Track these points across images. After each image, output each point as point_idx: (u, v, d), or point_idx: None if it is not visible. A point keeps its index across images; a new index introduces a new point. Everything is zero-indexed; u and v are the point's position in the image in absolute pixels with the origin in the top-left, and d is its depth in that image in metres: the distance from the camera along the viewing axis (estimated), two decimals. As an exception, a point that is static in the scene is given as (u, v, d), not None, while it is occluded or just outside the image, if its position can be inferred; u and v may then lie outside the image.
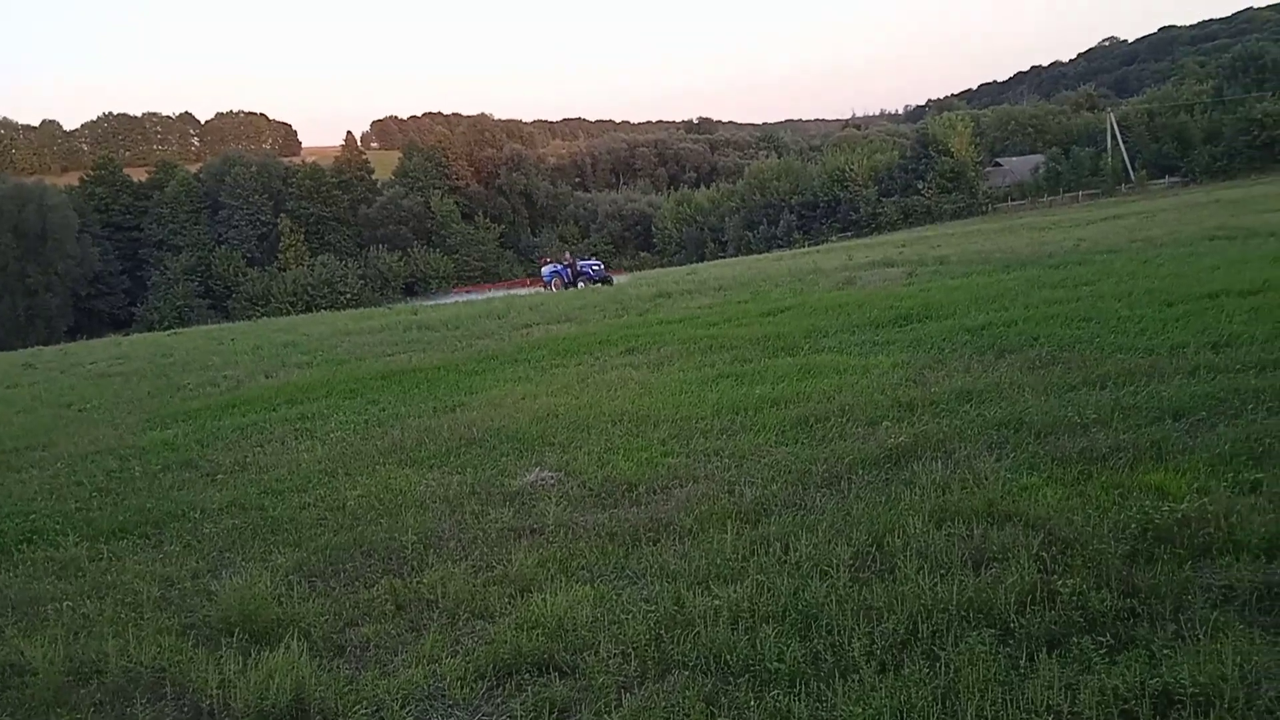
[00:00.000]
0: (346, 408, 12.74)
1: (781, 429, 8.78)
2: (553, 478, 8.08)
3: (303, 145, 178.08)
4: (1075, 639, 4.33)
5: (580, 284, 41.14)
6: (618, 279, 43.49)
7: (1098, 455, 6.77)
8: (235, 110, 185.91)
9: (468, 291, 67.13)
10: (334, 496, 8.31)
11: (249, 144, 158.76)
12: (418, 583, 6.08)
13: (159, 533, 7.93)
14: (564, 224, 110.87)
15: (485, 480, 8.28)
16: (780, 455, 7.96)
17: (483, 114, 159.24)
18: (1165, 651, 4.15)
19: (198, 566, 6.96)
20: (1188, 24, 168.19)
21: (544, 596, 5.50)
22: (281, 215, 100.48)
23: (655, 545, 6.24)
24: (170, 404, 15.23)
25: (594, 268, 44.37)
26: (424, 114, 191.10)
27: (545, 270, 45.52)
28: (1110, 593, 4.67)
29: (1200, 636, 4.23)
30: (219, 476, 9.65)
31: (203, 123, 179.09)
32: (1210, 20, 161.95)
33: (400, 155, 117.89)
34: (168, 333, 42.78)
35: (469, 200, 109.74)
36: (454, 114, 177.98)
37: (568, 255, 49.22)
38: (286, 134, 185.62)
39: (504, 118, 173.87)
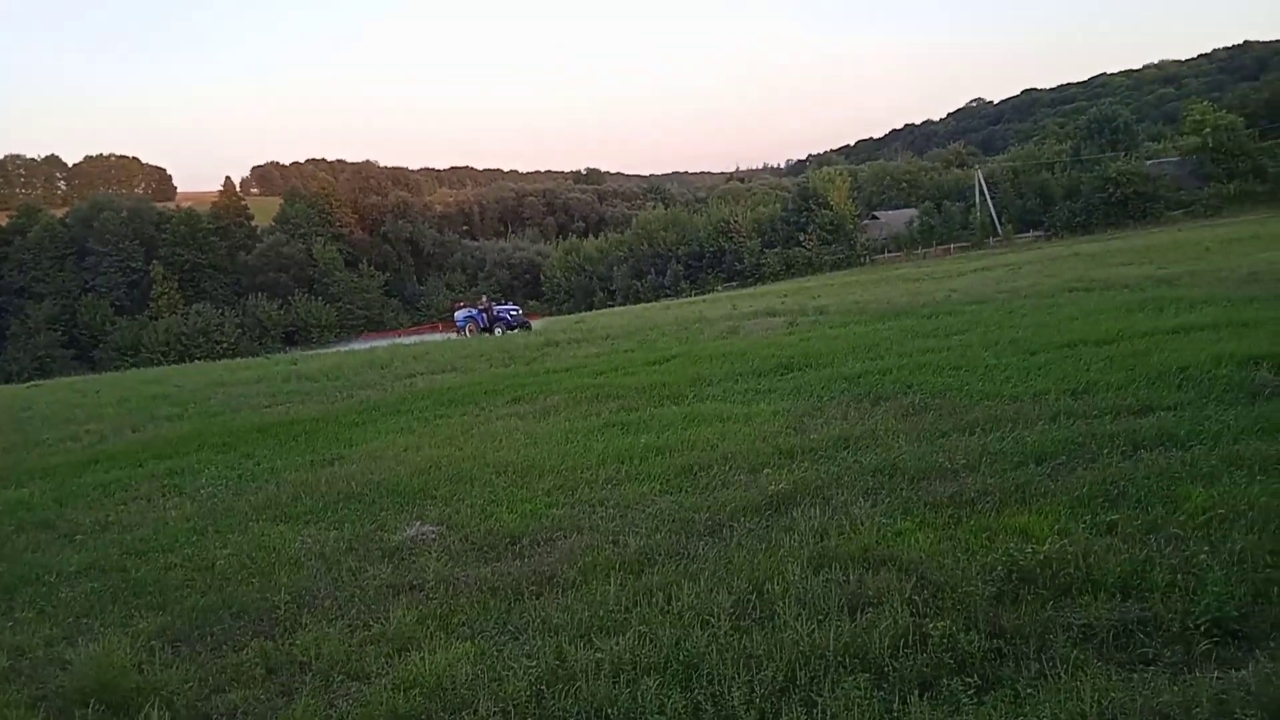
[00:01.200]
0: (219, 462, 12.30)
1: (666, 478, 8.84)
2: (434, 532, 7.93)
3: (178, 191, 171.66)
4: (945, 681, 4.46)
5: (498, 330, 38.67)
6: (535, 324, 41.48)
7: (967, 499, 7.02)
8: (106, 154, 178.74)
9: (363, 340, 63.50)
10: (202, 556, 7.99)
11: (120, 188, 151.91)
12: (290, 644, 5.88)
13: (9, 599, 7.51)
14: (451, 272, 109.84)
15: (363, 536, 8.08)
16: (664, 504, 8.00)
17: (368, 161, 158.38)
18: (1029, 690, 4.31)
19: (52, 634, 6.61)
20: (1048, 87, 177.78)
21: (423, 655, 5.39)
22: (154, 262, 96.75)
23: (538, 599, 6.19)
24: (27, 460, 14.43)
25: (511, 313, 41.88)
26: (307, 160, 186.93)
27: (459, 315, 42.60)
28: (978, 634, 4.84)
29: (1061, 674, 4.40)
30: (78, 537, 9.19)
31: (70, 166, 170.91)
32: (1069, 84, 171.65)
33: (281, 202, 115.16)
34: (27, 385, 40.58)
35: (353, 248, 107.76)
36: (338, 160, 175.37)
37: (484, 299, 45.95)
38: (161, 179, 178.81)
39: (390, 165, 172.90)
